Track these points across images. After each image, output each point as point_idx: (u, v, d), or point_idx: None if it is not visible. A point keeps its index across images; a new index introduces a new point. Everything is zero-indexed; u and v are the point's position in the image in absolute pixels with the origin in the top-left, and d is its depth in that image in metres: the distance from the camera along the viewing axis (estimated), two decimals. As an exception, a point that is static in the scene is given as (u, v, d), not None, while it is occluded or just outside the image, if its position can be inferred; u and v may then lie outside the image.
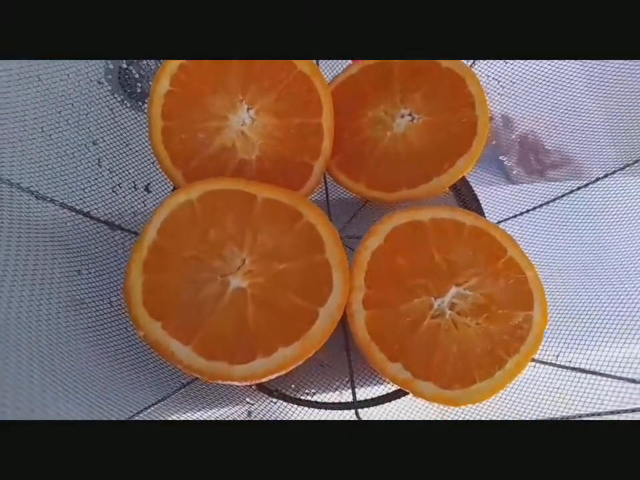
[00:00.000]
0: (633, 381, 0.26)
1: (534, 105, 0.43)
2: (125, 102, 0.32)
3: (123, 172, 0.32)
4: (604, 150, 0.40)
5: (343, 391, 0.32)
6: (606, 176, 0.35)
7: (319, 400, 0.31)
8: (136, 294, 0.26)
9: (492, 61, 0.38)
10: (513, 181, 0.41)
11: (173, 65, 0.31)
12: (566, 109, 0.42)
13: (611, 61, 0.39)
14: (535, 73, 0.41)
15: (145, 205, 0.33)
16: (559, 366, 0.29)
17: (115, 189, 0.31)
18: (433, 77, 0.36)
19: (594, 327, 0.31)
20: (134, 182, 0.32)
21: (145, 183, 0.33)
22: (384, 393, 0.32)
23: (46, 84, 0.27)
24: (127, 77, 0.33)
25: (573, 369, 0.28)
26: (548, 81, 0.42)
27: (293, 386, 0.31)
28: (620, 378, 0.27)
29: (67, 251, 0.27)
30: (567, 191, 0.35)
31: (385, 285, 0.30)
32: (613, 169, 0.35)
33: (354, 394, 0.32)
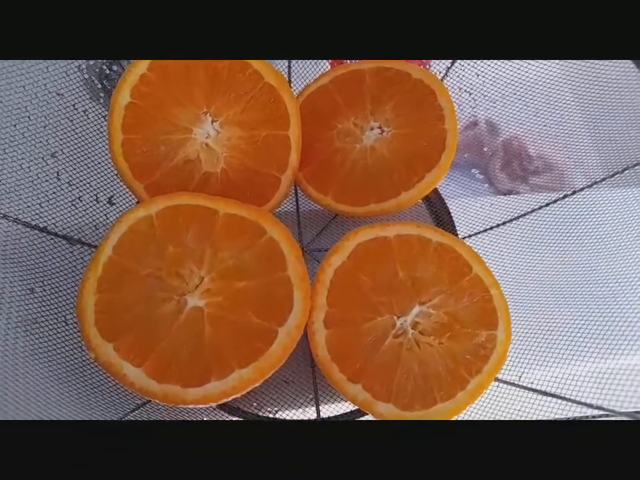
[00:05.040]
0: (591, 406, 0.26)
1: (518, 111, 0.42)
2: (87, 113, 0.32)
3: (84, 185, 0.31)
4: (586, 156, 0.40)
5: (307, 409, 0.31)
6: (579, 190, 0.35)
7: (281, 418, 0.31)
8: (88, 313, 0.26)
9: (463, 71, 0.38)
10: (487, 193, 0.41)
11: (133, 76, 0.30)
12: (549, 116, 0.42)
13: (594, 69, 0.39)
14: (517, 79, 0.41)
15: (107, 218, 0.32)
16: (521, 387, 0.29)
17: (74, 203, 0.30)
18: (403, 88, 0.35)
19: (559, 345, 0.31)
20: (96, 195, 0.32)
21: (108, 196, 0.32)
22: (348, 410, 0.32)
23: (0, 97, 0.27)
24: (90, 86, 0.33)
25: (535, 390, 0.28)
26: (532, 88, 0.41)
27: (255, 404, 0.31)
28: (580, 403, 0.27)
29: (19, 268, 0.27)
30: (537, 206, 0.35)
31: (348, 303, 0.29)
32: (594, 179, 0.35)
33: (318, 412, 0.31)
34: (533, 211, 0.34)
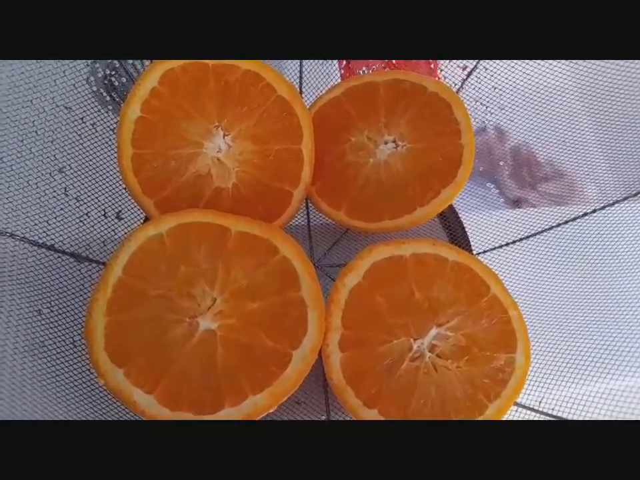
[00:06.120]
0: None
1: (527, 118, 0.42)
2: (96, 126, 0.31)
3: (92, 200, 0.31)
4: (596, 163, 0.40)
5: (319, 431, 0.31)
6: (600, 209, 0.34)
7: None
8: (98, 337, 0.25)
9: (479, 83, 0.37)
10: (502, 206, 0.40)
11: (143, 90, 0.29)
12: (558, 123, 0.41)
13: (603, 74, 0.38)
14: (529, 86, 0.40)
15: (116, 233, 0.31)
16: (541, 412, 0.28)
17: (82, 219, 0.30)
18: (418, 101, 0.34)
19: (580, 367, 0.30)
20: (104, 210, 0.31)
21: (116, 211, 0.32)
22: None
23: (6, 112, 0.26)
24: (99, 98, 0.32)
25: (555, 417, 0.27)
26: (542, 95, 0.41)
27: (266, 426, 0.30)
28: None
29: (26, 289, 0.26)
30: (555, 224, 0.34)
31: (363, 324, 0.28)
32: (615, 197, 0.34)
33: (330, 434, 0.31)
34: (550, 228, 0.34)
